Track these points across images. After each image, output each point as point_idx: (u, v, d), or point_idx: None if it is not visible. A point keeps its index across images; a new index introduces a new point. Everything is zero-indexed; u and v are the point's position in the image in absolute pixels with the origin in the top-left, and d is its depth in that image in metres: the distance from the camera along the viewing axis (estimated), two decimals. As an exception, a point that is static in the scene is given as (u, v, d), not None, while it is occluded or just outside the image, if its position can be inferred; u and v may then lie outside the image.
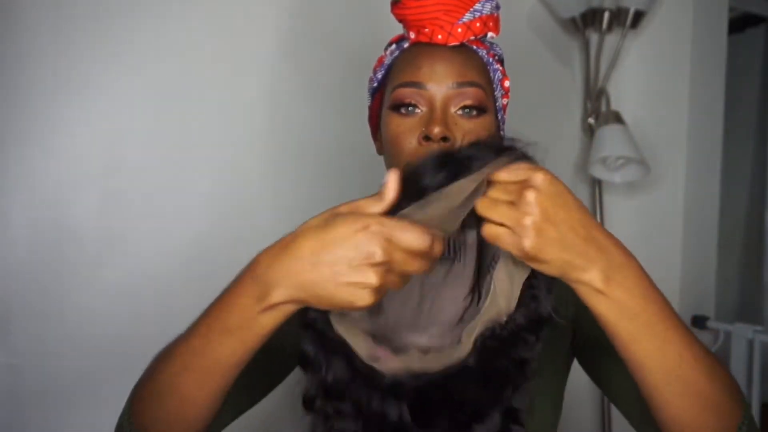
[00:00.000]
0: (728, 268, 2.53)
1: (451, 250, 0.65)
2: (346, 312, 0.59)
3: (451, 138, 0.70)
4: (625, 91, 1.76)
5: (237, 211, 1.27)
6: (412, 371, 0.59)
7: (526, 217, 0.53)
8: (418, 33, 0.75)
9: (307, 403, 0.64)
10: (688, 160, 1.83)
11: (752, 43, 2.72)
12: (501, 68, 0.79)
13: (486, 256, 0.66)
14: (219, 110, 1.26)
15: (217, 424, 0.72)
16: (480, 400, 0.62)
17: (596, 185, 1.74)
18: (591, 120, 1.70)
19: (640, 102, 1.79)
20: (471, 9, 0.74)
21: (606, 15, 1.67)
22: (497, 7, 0.77)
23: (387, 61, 0.79)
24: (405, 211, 0.55)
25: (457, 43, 0.74)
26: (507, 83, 0.80)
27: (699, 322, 1.84)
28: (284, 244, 0.55)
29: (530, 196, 0.53)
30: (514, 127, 0.62)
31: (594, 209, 1.73)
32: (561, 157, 1.68)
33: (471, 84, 0.72)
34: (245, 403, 0.77)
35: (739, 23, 2.59)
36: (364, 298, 0.52)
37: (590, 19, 1.65)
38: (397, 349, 0.61)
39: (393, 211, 0.55)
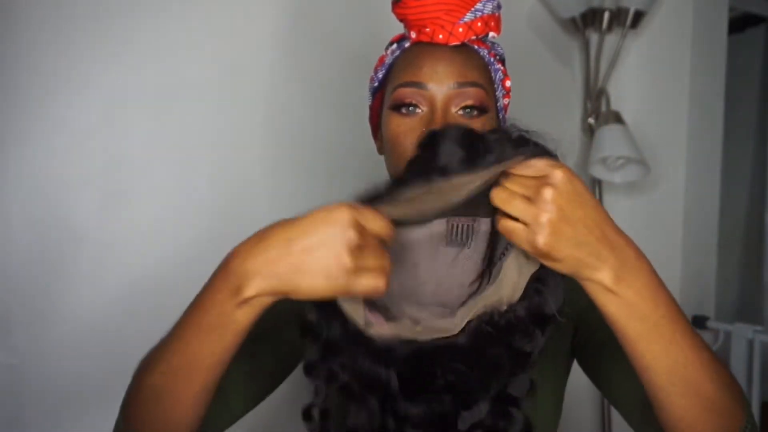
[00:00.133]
0: (728, 268, 2.53)
1: (462, 236, 0.66)
2: None
3: None
4: (625, 91, 1.76)
5: (237, 211, 1.27)
6: (402, 339, 0.60)
7: (543, 215, 0.53)
8: (419, 33, 0.75)
9: (308, 368, 0.64)
10: (688, 160, 1.83)
11: (752, 43, 2.73)
12: (502, 68, 0.79)
13: (498, 245, 0.66)
14: (219, 110, 1.26)
15: (227, 417, 0.73)
16: (467, 382, 0.62)
17: (596, 185, 1.74)
18: (591, 120, 1.70)
19: (640, 102, 1.79)
20: (472, 9, 0.74)
21: (606, 15, 1.67)
22: (498, 7, 0.77)
23: (388, 60, 0.79)
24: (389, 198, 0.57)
25: (458, 42, 0.74)
26: (508, 83, 0.80)
27: (699, 322, 1.84)
28: (258, 237, 0.57)
29: (548, 193, 0.53)
30: (511, 119, 0.62)
31: (594, 209, 1.73)
32: (561, 157, 1.68)
33: (472, 84, 0.72)
34: (255, 395, 0.77)
35: (739, 23, 2.59)
36: (339, 280, 0.53)
37: (590, 19, 1.65)
38: (391, 317, 0.62)
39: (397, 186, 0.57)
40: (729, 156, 2.12)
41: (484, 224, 0.66)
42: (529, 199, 0.54)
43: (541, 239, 0.54)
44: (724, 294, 2.38)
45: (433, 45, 0.74)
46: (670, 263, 1.82)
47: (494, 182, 0.58)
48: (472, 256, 0.66)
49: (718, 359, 0.61)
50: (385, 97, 0.77)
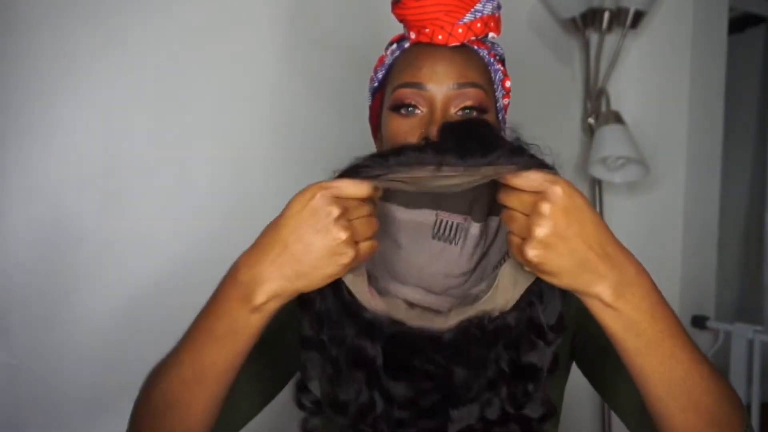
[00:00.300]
0: (728, 268, 2.53)
1: (448, 233, 0.67)
2: None
3: None
4: (625, 91, 1.76)
5: (238, 212, 1.27)
6: (392, 318, 0.62)
7: (536, 229, 0.53)
8: (418, 33, 0.75)
9: (305, 342, 0.65)
10: (688, 160, 1.83)
11: (752, 43, 2.72)
12: (502, 68, 0.79)
13: (491, 251, 0.67)
14: (219, 110, 1.26)
15: (237, 421, 0.75)
16: (444, 376, 0.63)
17: (596, 185, 1.74)
18: (591, 120, 1.70)
19: (640, 102, 1.79)
20: (472, 9, 0.73)
21: (606, 15, 1.67)
22: (498, 7, 0.76)
23: (387, 60, 0.79)
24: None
25: (457, 43, 0.74)
26: (508, 83, 0.80)
27: (699, 322, 1.84)
28: (256, 244, 0.59)
29: (545, 208, 0.53)
30: (513, 127, 0.62)
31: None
32: (561, 158, 1.68)
33: (472, 85, 0.72)
34: (262, 398, 0.78)
35: (739, 23, 2.59)
36: (344, 255, 0.56)
37: (590, 19, 1.65)
38: (383, 292, 0.63)
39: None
40: (729, 156, 2.12)
41: (473, 227, 0.66)
42: (527, 215, 0.55)
43: (531, 252, 0.54)
44: (724, 294, 2.38)
45: (432, 45, 0.74)
46: (670, 263, 1.82)
47: (485, 185, 0.58)
48: (459, 254, 0.67)
49: (717, 372, 0.61)
50: (385, 98, 0.77)
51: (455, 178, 0.56)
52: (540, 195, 0.54)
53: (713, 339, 1.87)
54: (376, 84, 0.80)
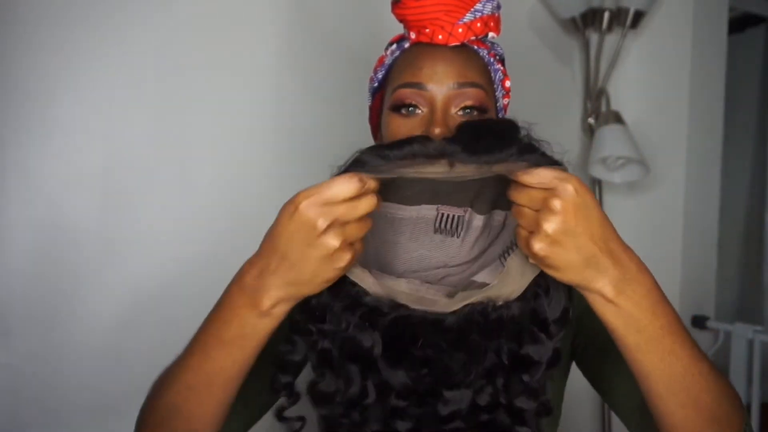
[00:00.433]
0: (728, 268, 2.52)
1: (450, 225, 0.67)
2: None
3: None
4: (625, 91, 1.76)
5: (238, 211, 1.27)
6: (393, 302, 0.62)
7: (545, 224, 0.54)
8: (418, 33, 0.75)
9: (294, 327, 0.65)
10: (688, 160, 1.83)
11: (752, 43, 2.72)
12: (502, 68, 0.79)
13: (497, 241, 0.68)
14: (219, 110, 1.26)
15: (242, 425, 0.75)
16: (444, 359, 0.63)
17: (596, 185, 1.74)
18: (591, 120, 1.70)
19: (640, 102, 1.79)
20: (472, 9, 0.73)
21: (606, 15, 1.67)
22: (498, 7, 0.76)
23: (387, 61, 0.79)
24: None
25: (457, 43, 0.74)
26: (508, 83, 0.80)
27: (699, 322, 1.84)
28: (259, 252, 0.59)
29: (556, 204, 0.54)
30: (524, 123, 0.62)
31: (594, 209, 1.73)
32: (561, 156, 1.68)
33: (472, 84, 0.72)
34: (257, 409, 0.78)
35: (739, 23, 2.59)
36: (340, 260, 0.56)
37: (590, 19, 1.65)
38: (380, 281, 0.64)
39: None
40: (729, 156, 2.11)
41: (476, 219, 0.67)
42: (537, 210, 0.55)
43: (538, 245, 0.55)
44: (724, 294, 2.38)
45: (432, 45, 0.74)
46: (670, 263, 1.82)
47: (490, 179, 0.58)
48: (460, 245, 0.67)
49: (717, 370, 0.62)
50: (385, 98, 0.77)
51: (465, 172, 0.57)
52: (550, 191, 0.54)
53: (713, 339, 1.87)
54: (376, 84, 0.80)
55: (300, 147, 1.33)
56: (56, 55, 1.12)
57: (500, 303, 0.62)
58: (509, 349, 0.64)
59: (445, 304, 0.62)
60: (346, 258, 0.56)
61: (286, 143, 1.32)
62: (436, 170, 0.57)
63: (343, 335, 0.63)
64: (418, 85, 0.72)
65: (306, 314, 0.64)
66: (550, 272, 0.58)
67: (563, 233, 0.54)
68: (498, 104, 0.79)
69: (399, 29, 0.80)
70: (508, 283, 0.62)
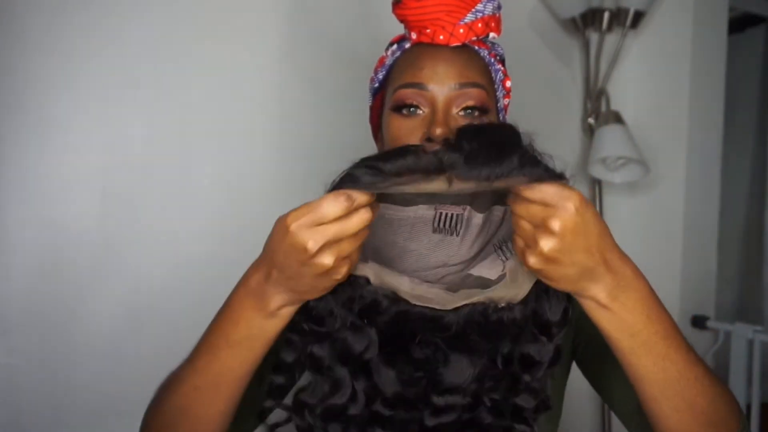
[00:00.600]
0: (728, 268, 2.52)
1: (449, 224, 0.67)
2: None
3: None
4: (625, 91, 1.76)
5: (238, 211, 1.27)
6: (394, 295, 0.62)
7: (542, 242, 0.53)
8: (419, 33, 0.75)
9: (292, 326, 0.65)
10: (688, 160, 1.83)
11: (752, 43, 2.72)
12: (502, 68, 0.79)
13: (495, 237, 0.67)
14: (219, 110, 1.26)
15: (246, 430, 0.75)
16: (441, 359, 0.64)
17: (596, 185, 1.74)
18: (591, 120, 1.70)
19: (640, 102, 1.79)
20: (473, 9, 0.73)
21: (606, 15, 1.67)
22: (499, 8, 0.76)
23: (388, 61, 0.79)
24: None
25: (458, 43, 0.74)
26: (508, 83, 0.80)
27: (699, 322, 1.84)
28: (262, 259, 0.60)
29: (555, 224, 0.53)
30: (528, 133, 0.61)
31: (594, 209, 1.73)
32: (561, 158, 1.68)
33: (473, 85, 0.72)
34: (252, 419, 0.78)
35: (739, 23, 2.59)
36: (336, 274, 0.56)
37: (590, 19, 1.65)
38: (381, 273, 0.63)
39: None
40: (729, 156, 2.11)
41: (475, 218, 0.66)
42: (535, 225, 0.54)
43: (533, 260, 0.55)
44: (724, 294, 2.38)
45: (433, 46, 0.74)
46: (670, 263, 1.82)
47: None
48: (459, 244, 0.67)
49: (713, 374, 0.62)
50: (386, 98, 0.76)
51: (463, 188, 0.56)
52: (550, 209, 0.53)
53: (713, 339, 1.87)
54: (376, 84, 0.80)
55: (300, 146, 1.33)
56: (55, 54, 1.12)
57: (502, 305, 0.62)
58: (510, 350, 0.64)
59: (446, 301, 0.62)
60: (341, 272, 0.56)
61: (286, 143, 1.32)
62: (434, 187, 0.56)
63: (336, 336, 0.64)
64: (419, 86, 0.72)
65: (303, 314, 0.64)
66: (544, 281, 0.58)
67: (559, 252, 0.53)
68: (499, 104, 0.79)
69: (400, 29, 0.80)
70: (513, 286, 0.62)
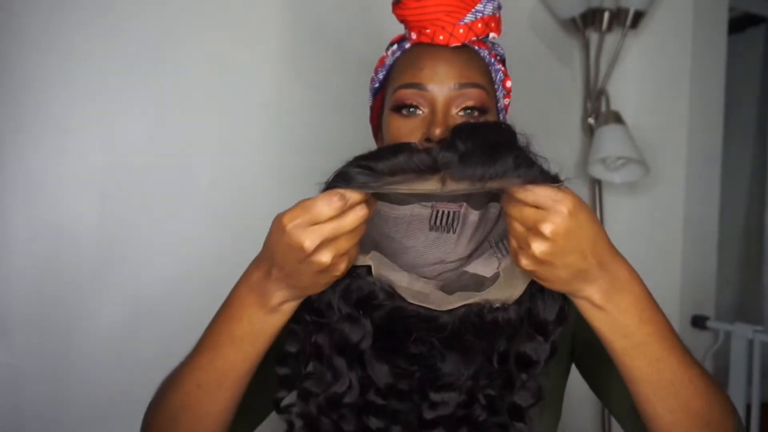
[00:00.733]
0: (728, 268, 2.53)
1: (446, 222, 0.67)
2: None
3: None
4: (625, 91, 1.76)
5: (238, 211, 1.27)
6: (391, 290, 0.62)
7: (534, 245, 0.53)
8: (419, 34, 0.75)
9: (294, 317, 0.65)
10: (688, 160, 1.83)
11: (752, 43, 2.72)
12: (503, 68, 0.79)
13: (491, 234, 0.67)
14: (220, 111, 1.26)
15: (248, 425, 0.76)
16: (435, 357, 0.64)
17: (596, 185, 1.74)
18: (591, 120, 1.71)
19: (640, 102, 1.79)
20: (472, 10, 0.73)
21: (606, 15, 1.67)
22: (499, 8, 0.76)
23: (388, 61, 0.79)
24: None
25: (458, 43, 0.74)
26: (509, 83, 0.80)
27: (699, 322, 1.84)
28: (261, 257, 0.60)
29: (547, 229, 0.53)
30: (524, 134, 0.61)
31: (594, 209, 1.73)
32: (561, 157, 1.68)
33: (473, 85, 0.72)
34: (264, 407, 0.78)
35: (739, 23, 2.59)
36: (335, 270, 0.56)
37: (590, 19, 1.65)
38: (379, 265, 0.63)
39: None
40: (729, 156, 2.11)
41: (472, 215, 0.66)
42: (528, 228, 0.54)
43: (525, 262, 0.55)
44: (724, 294, 2.38)
45: (433, 46, 0.74)
46: (670, 263, 1.82)
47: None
48: (456, 241, 0.67)
49: (708, 376, 0.62)
50: (386, 98, 0.76)
51: (457, 189, 0.56)
52: (543, 213, 0.53)
53: (713, 339, 1.87)
54: (376, 84, 0.80)
55: (301, 146, 1.33)
56: (54, 54, 1.12)
57: (497, 305, 0.62)
58: (506, 349, 0.64)
59: (441, 301, 0.62)
60: (340, 268, 0.57)
61: (286, 143, 1.32)
62: (427, 187, 0.56)
63: (334, 327, 0.64)
64: (418, 86, 0.72)
65: (303, 304, 0.64)
66: (538, 281, 0.58)
67: (551, 255, 0.53)
68: (499, 104, 0.79)
69: (400, 29, 0.80)
70: (508, 286, 0.62)
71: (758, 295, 2.63)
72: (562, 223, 0.52)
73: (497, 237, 0.66)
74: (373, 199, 0.57)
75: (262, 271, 0.59)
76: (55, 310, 1.13)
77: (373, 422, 0.65)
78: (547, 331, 0.63)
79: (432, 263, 0.67)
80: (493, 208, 0.68)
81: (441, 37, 0.73)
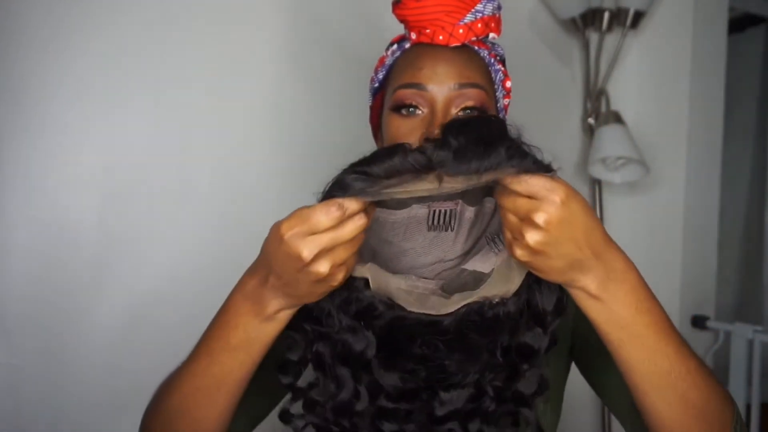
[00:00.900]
0: (728, 268, 2.53)
1: (443, 220, 0.67)
2: None
3: None
4: (625, 91, 1.76)
5: (238, 212, 1.27)
6: (390, 301, 0.62)
7: (528, 235, 0.53)
8: (419, 34, 0.75)
9: (291, 324, 0.66)
10: (688, 160, 1.83)
11: (752, 43, 2.72)
12: (502, 69, 0.79)
13: (488, 229, 0.67)
14: (219, 110, 1.26)
15: (245, 429, 0.76)
16: (441, 358, 0.64)
17: (596, 185, 1.74)
18: (591, 120, 1.70)
19: (640, 102, 1.79)
20: (472, 10, 0.73)
21: (606, 15, 1.67)
22: (499, 8, 0.76)
23: (388, 61, 0.79)
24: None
25: (458, 44, 0.74)
26: (508, 84, 0.80)
27: (699, 322, 1.84)
28: (258, 264, 0.60)
29: (540, 218, 0.53)
30: (516, 125, 0.61)
31: (594, 209, 1.73)
32: (561, 157, 1.68)
33: (472, 85, 0.72)
34: (261, 410, 0.79)
35: (739, 23, 2.59)
36: (333, 281, 0.56)
37: (590, 19, 1.65)
38: (377, 276, 0.63)
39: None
40: (729, 156, 2.12)
41: (468, 212, 0.66)
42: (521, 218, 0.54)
43: (519, 252, 0.55)
44: (724, 294, 2.38)
45: (433, 46, 0.74)
46: (670, 263, 1.82)
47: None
48: (454, 239, 0.67)
49: (706, 368, 0.62)
50: (386, 98, 0.77)
51: (454, 186, 0.56)
52: (536, 202, 0.53)
53: (713, 339, 1.87)
54: (376, 84, 0.80)
55: (301, 147, 1.33)
56: (54, 54, 1.12)
57: (496, 300, 0.62)
58: (508, 342, 0.65)
59: (441, 306, 0.62)
60: (338, 278, 0.57)
61: (286, 143, 1.32)
62: (425, 187, 0.56)
63: (336, 337, 0.64)
64: (418, 86, 0.72)
65: (302, 312, 0.65)
66: (534, 272, 0.58)
67: (545, 245, 0.53)
68: (499, 105, 0.79)
69: (400, 30, 0.81)
70: (504, 280, 0.62)
71: (758, 295, 2.63)
72: (555, 213, 0.52)
73: (493, 232, 0.66)
74: (371, 206, 0.57)
75: (258, 279, 0.59)
76: (54, 310, 1.13)
77: (387, 426, 0.65)
78: (545, 322, 0.63)
79: (431, 263, 0.67)
80: (489, 204, 0.68)
81: (441, 37, 0.73)
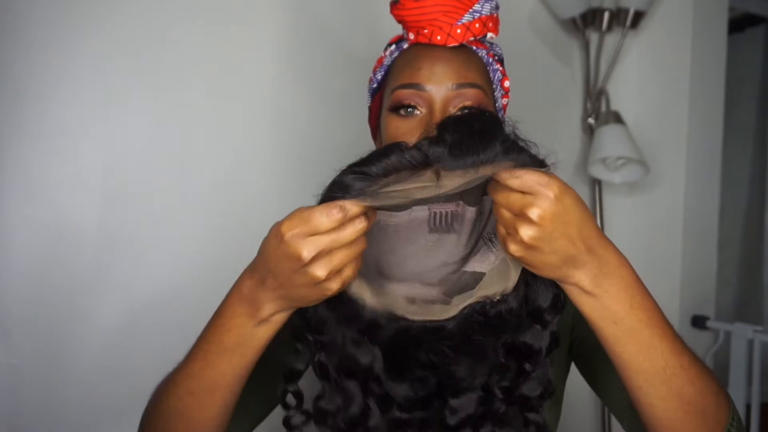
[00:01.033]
0: (728, 268, 2.52)
1: (444, 222, 0.67)
2: None
3: None
4: (625, 91, 1.76)
5: (238, 212, 1.27)
6: (392, 315, 0.62)
7: (521, 231, 0.54)
8: (417, 34, 0.75)
9: (294, 334, 0.66)
10: (688, 160, 1.83)
11: (752, 43, 2.72)
12: (501, 68, 0.79)
13: (485, 229, 0.67)
14: (219, 110, 1.26)
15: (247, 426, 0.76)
16: (450, 363, 0.64)
17: (596, 185, 1.74)
18: (591, 120, 1.70)
19: (640, 102, 1.79)
20: (470, 10, 0.74)
21: (606, 15, 1.67)
22: (496, 8, 0.76)
23: (386, 61, 0.79)
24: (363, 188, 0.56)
25: (456, 44, 0.74)
26: (507, 83, 0.80)
27: (699, 322, 1.84)
28: (255, 266, 0.60)
29: (533, 213, 0.53)
30: (512, 121, 0.61)
31: (594, 209, 1.73)
32: (561, 157, 1.68)
33: (470, 85, 0.72)
34: (260, 411, 0.79)
35: (739, 23, 2.59)
36: (329, 288, 0.56)
37: (590, 19, 1.65)
38: (379, 294, 0.63)
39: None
40: (729, 156, 2.11)
41: (468, 212, 0.66)
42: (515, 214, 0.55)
43: (513, 248, 0.55)
44: (724, 294, 2.38)
45: (431, 46, 0.74)
46: (670, 263, 1.82)
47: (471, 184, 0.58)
48: (457, 241, 0.67)
49: (702, 363, 0.62)
50: (384, 99, 0.77)
51: (452, 181, 0.56)
52: (530, 197, 0.53)
53: (713, 339, 1.87)
54: (375, 85, 0.80)
55: (300, 147, 1.33)
56: (55, 54, 1.12)
57: (497, 298, 0.62)
58: (511, 341, 0.65)
59: (442, 311, 0.62)
60: (332, 287, 0.56)
61: (286, 143, 1.32)
62: (423, 184, 0.56)
63: (340, 352, 0.64)
64: (416, 86, 0.72)
65: (304, 321, 0.65)
66: (528, 268, 0.58)
67: (539, 240, 0.54)
68: (497, 104, 0.79)
69: (399, 30, 0.80)
70: (502, 278, 0.62)
71: (758, 295, 2.63)
72: (548, 208, 0.53)
73: (490, 231, 0.66)
74: (372, 211, 0.57)
75: (254, 280, 0.59)
76: (54, 310, 1.13)
77: None
78: (543, 319, 0.63)
79: (436, 266, 0.67)
80: (488, 202, 0.68)
81: (439, 38, 0.73)
